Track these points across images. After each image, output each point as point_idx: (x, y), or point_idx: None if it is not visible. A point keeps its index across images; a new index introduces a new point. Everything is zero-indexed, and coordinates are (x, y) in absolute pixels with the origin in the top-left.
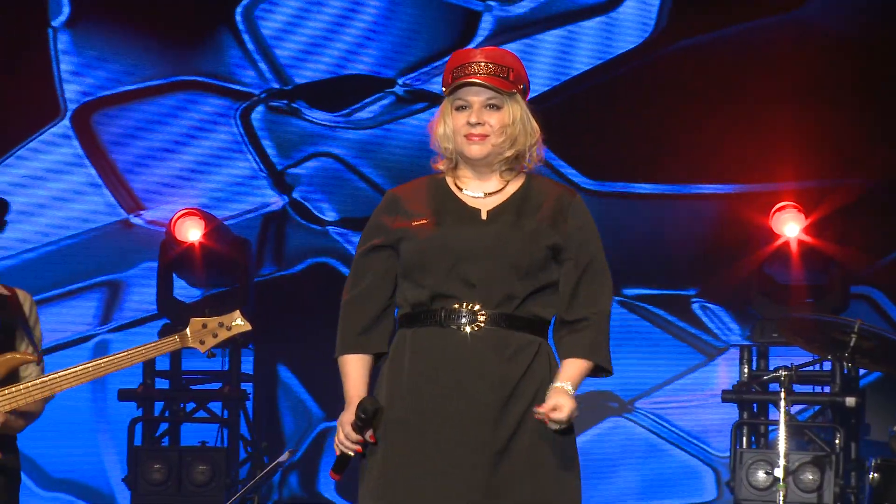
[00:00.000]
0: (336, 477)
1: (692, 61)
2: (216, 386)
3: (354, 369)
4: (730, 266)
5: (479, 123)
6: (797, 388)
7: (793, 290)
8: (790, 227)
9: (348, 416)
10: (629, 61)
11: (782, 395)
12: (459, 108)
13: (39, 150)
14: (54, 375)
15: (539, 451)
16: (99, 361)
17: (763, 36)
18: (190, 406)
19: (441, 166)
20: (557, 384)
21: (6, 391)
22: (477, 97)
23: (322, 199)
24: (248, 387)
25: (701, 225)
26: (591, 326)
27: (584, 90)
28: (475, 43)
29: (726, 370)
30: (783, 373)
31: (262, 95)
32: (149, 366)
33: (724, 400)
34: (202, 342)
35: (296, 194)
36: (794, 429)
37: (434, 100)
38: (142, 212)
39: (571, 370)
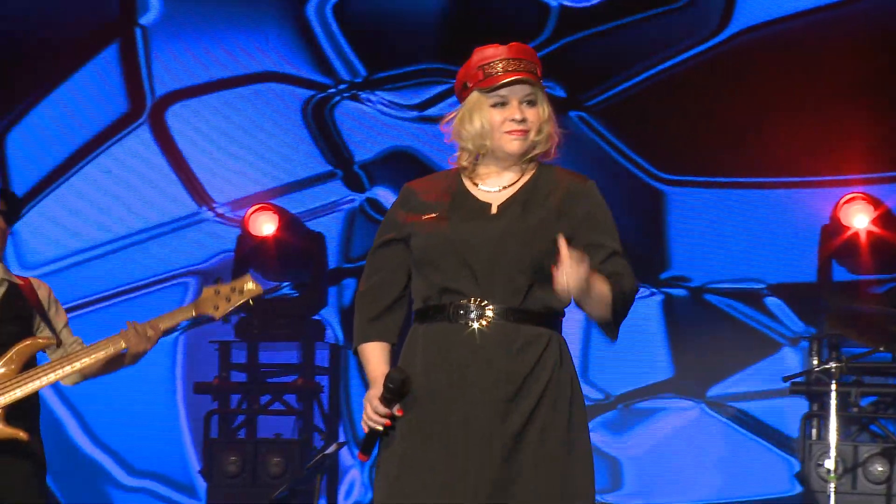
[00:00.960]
0: (364, 458)
1: (761, 53)
2: (292, 378)
3: (373, 353)
4: (800, 258)
5: (523, 119)
6: (867, 379)
7: (862, 282)
8: (859, 218)
9: (374, 391)
10: (698, 54)
11: (833, 386)
12: (496, 105)
13: (125, 146)
14: (50, 365)
15: (549, 446)
16: (109, 338)
17: (832, 27)
18: (265, 398)
19: (464, 162)
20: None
21: (4, 384)
22: (514, 93)
23: (396, 193)
24: (323, 379)
25: (770, 217)
26: (625, 288)
27: (655, 83)
28: (546, 36)
29: (802, 362)
30: (834, 365)
31: (340, 87)
32: (224, 359)
33: (791, 392)
34: (216, 307)
35: (369, 188)
36: (865, 420)
37: None
38: (216, 205)
39: (600, 279)
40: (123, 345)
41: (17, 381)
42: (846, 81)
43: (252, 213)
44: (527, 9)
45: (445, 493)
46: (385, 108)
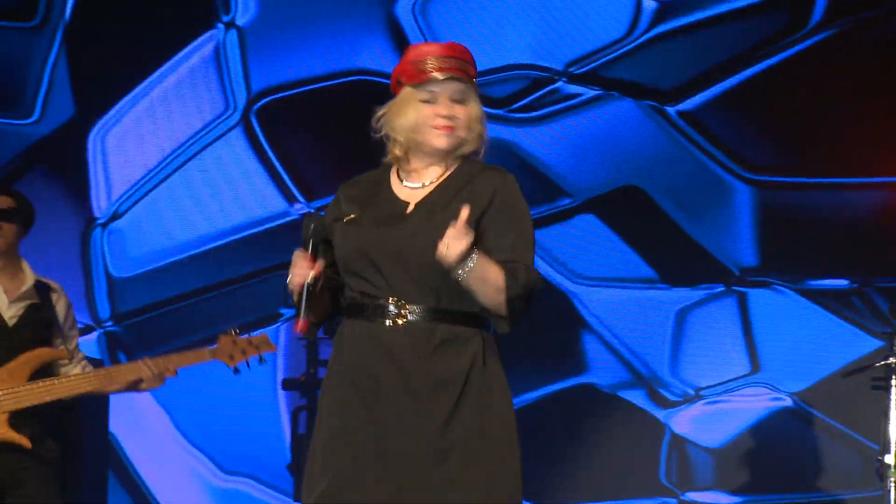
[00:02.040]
0: (301, 328)
1: (848, 47)
2: None
3: None
4: (884, 255)
5: (449, 116)
6: None
7: None
8: None
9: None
10: (784, 48)
11: (893, 382)
12: (426, 101)
13: (221, 145)
14: (67, 379)
15: (469, 443)
16: (129, 365)
17: None
18: None
19: (397, 151)
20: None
21: (14, 390)
22: (445, 90)
23: None
24: None
25: (858, 215)
26: (518, 272)
27: (741, 81)
28: (634, 32)
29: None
30: (893, 360)
31: None
32: (312, 354)
33: (874, 388)
34: (231, 357)
35: None
36: None
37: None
38: (305, 203)
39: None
40: (135, 378)
41: (25, 391)
42: None
43: None
44: (614, 4)
45: (360, 494)
46: None
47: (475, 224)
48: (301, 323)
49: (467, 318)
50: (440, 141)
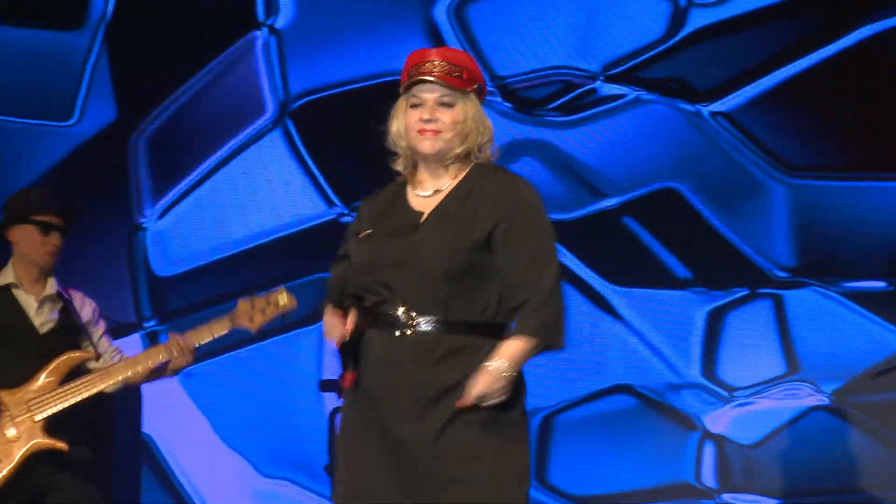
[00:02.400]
0: (347, 381)
1: (886, 46)
2: None
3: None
4: None
5: (431, 119)
6: None
7: None
8: None
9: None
10: (820, 48)
11: None
12: (414, 106)
13: (259, 149)
14: (96, 374)
15: (472, 447)
16: (150, 350)
17: None
18: None
19: (399, 166)
20: (485, 363)
21: (46, 396)
22: (430, 94)
23: None
24: None
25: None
26: (535, 308)
27: (778, 81)
28: (672, 34)
29: None
30: None
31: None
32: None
33: None
34: (252, 320)
35: None
36: None
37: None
38: (342, 206)
39: (505, 347)
40: (163, 358)
41: (58, 395)
42: None
43: None
44: (652, 6)
45: (367, 497)
46: (511, 111)
47: (489, 233)
48: (348, 376)
49: (477, 328)
50: (424, 145)
